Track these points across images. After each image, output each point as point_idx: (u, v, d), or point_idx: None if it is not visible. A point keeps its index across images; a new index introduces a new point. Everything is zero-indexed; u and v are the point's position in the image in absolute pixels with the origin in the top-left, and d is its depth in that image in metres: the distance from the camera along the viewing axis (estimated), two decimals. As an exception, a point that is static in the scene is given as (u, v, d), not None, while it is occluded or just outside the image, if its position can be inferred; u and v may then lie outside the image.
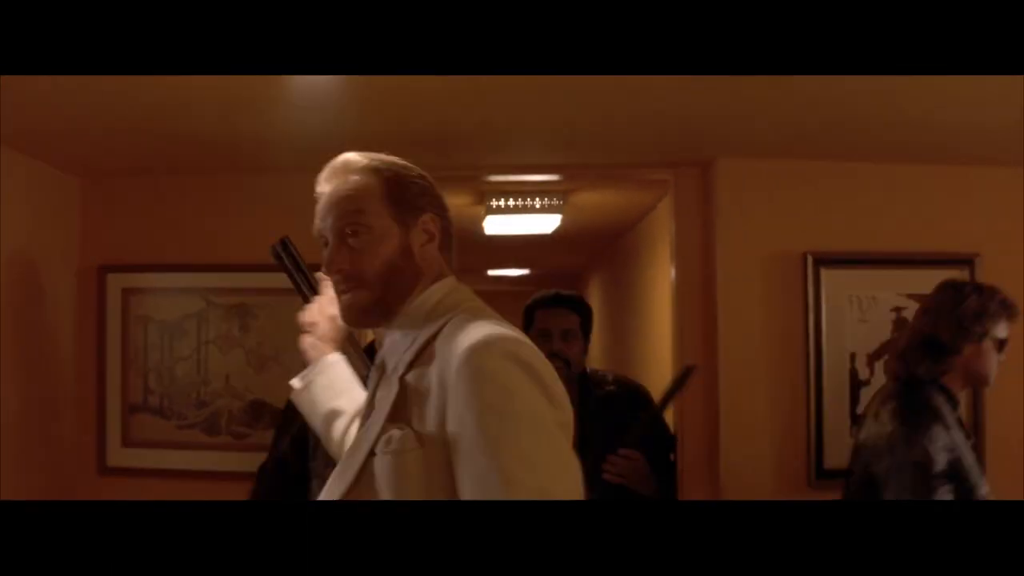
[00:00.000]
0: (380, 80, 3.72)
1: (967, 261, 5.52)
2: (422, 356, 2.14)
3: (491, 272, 14.08)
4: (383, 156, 2.33)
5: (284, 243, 2.98)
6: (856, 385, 5.45)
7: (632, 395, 4.45)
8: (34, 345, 5.10)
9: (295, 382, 2.82)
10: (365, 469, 2.10)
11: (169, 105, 4.09)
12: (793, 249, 5.43)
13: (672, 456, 4.48)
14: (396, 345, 2.26)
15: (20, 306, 4.92)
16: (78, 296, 5.53)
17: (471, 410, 1.98)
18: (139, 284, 5.54)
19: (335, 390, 2.76)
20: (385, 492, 2.05)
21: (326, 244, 2.26)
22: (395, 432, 2.05)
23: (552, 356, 3.98)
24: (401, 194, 2.25)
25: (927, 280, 5.41)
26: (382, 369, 2.29)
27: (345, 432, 2.69)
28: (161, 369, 5.49)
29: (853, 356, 5.47)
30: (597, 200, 7.51)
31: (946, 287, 3.87)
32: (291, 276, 3.01)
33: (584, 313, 4.42)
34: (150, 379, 5.49)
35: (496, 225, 7.96)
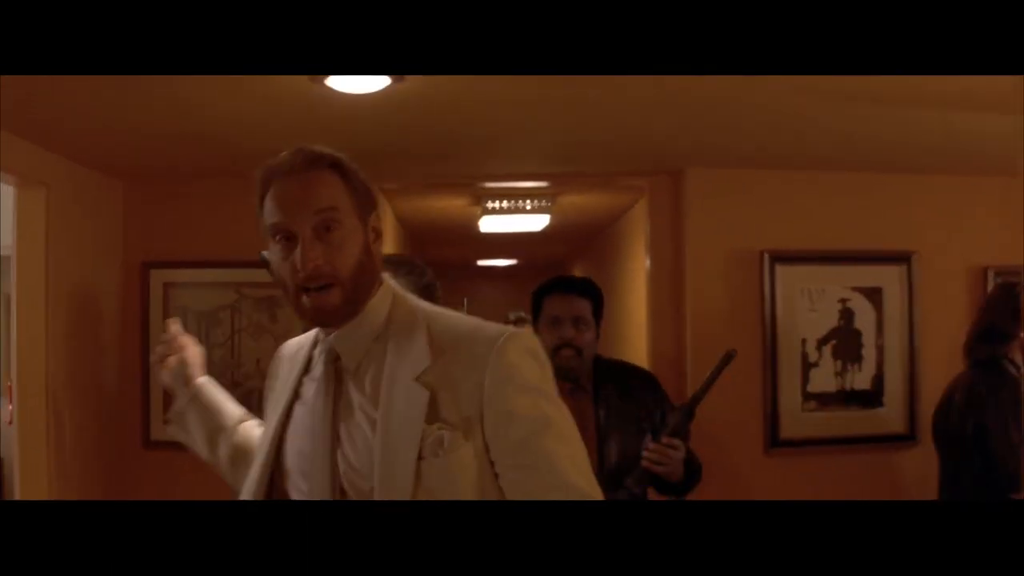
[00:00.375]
0: (392, 98, 3.97)
1: (905, 258, 5.85)
2: (438, 356, 2.03)
3: (481, 263, 13.98)
4: (334, 151, 2.13)
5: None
6: (807, 367, 5.77)
7: (646, 383, 3.98)
8: (87, 334, 5.35)
9: (171, 415, 2.63)
10: (418, 475, 1.95)
11: (204, 115, 4.33)
12: (752, 247, 5.73)
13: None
14: (356, 344, 2.10)
15: (74, 300, 5.17)
16: (124, 290, 5.78)
17: (509, 399, 1.99)
18: (178, 279, 5.77)
19: (213, 409, 2.57)
20: (444, 491, 1.95)
21: (287, 239, 2.03)
22: (444, 434, 1.95)
23: (564, 345, 3.76)
24: (360, 191, 2.10)
25: (870, 275, 5.81)
26: (336, 367, 2.12)
27: (231, 443, 2.54)
28: (199, 354, 5.68)
29: (804, 341, 5.77)
30: (581, 202, 7.77)
31: (1001, 287, 4.40)
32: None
33: (595, 298, 3.91)
34: (189, 363, 5.69)
35: (491, 224, 8.19)
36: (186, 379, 2.59)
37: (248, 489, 2.19)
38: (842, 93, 4.03)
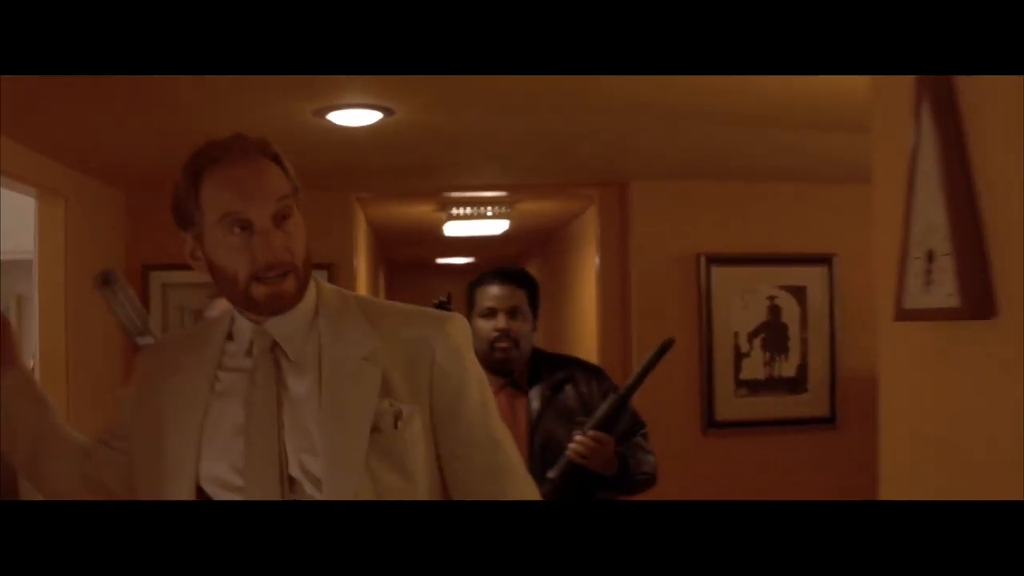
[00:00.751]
0: (382, 129, 4.39)
1: (827, 260, 6.32)
2: (383, 337, 1.99)
3: (440, 260, 14.01)
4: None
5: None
6: (739, 357, 6.24)
7: (589, 376, 3.62)
8: (94, 331, 5.63)
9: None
10: (373, 447, 1.91)
11: (199, 134, 4.62)
12: (690, 251, 6.21)
13: (642, 439, 3.55)
14: (295, 329, 1.99)
15: (82, 300, 5.42)
16: None
17: (459, 378, 2.01)
18: (176, 280, 6.13)
19: (43, 403, 2.18)
20: (396, 463, 1.93)
21: (242, 227, 1.89)
22: (401, 407, 1.93)
23: (500, 337, 3.46)
24: (293, 178, 1.99)
25: (795, 275, 6.27)
26: (273, 355, 1.98)
27: (61, 439, 2.18)
28: (194, 348, 6.02)
29: (737, 334, 6.24)
30: (537, 209, 8.18)
31: None
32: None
33: (531, 288, 3.59)
34: (186, 356, 6.02)
35: (455, 229, 8.49)
36: (9, 358, 2.15)
37: (168, 493, 1.96)
38: (767, 119, 4.53)
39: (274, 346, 1.98)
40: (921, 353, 2.45)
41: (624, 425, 3.41)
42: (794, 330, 6.28)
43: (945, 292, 2.16)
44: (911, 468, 2.59)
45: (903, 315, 2.36)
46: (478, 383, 2.07)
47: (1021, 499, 2.03)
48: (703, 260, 6.17)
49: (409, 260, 13.59)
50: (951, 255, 2.13)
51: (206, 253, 2.00)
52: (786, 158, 5.64)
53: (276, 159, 1.97)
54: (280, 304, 1.94)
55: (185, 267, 5.20)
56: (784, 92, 4.05)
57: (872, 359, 4.86)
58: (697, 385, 6.14)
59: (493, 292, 3.52)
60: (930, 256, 2.22)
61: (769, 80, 3.83)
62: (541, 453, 3.36)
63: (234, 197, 1.90)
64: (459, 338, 2.05)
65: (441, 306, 7.09)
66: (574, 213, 8.34)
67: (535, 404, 3.49)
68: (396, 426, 1.93)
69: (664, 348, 3.30)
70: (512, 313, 3.48)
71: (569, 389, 3.52)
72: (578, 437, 3.25)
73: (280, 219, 1.91)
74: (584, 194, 6.93)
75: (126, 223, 6.18)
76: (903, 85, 2.40)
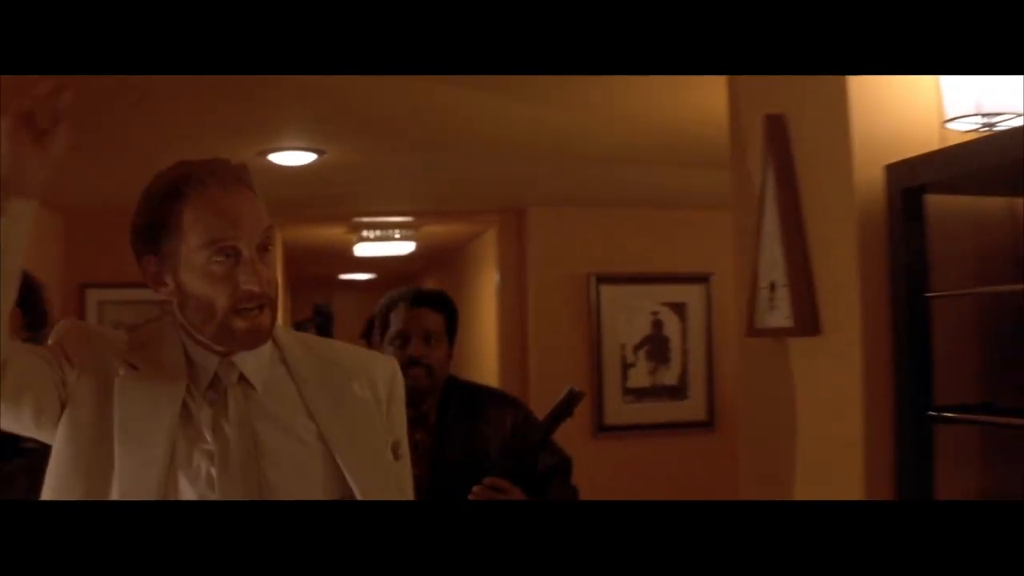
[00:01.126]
0: (312, 166, 4.79)
1: (704, 279, 6.81)
2: (355, 374, 1.93)
3: (342, 276, 14.05)
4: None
5: None
6: (625, 367, 6.68)
7: (503, 407, 3.22)
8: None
9: None
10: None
11: (145, 169, 4.90)
12: (582, 271, 6.65)
13: (565, 476, 3.17)
14: (262, 363, 1.86)
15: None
16: (64, 307, 6.28)
17: (403, 418, 2.00)
18: (111, 297, 6.45)
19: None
20: (400, 490, 1.93)
21: (227, 255, 1.75)
22: (400, 439, 1.95)
23: (412, 363, 3.02)
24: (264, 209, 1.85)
25: (676, 293, 6.72)
26: (243, 387, 1.85)
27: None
28: (129, 361, 6.28)
29: (623, 346, 6.69)
30: (442, 231, 8.60)
31: None
32: None
33: (449, 312, 3.20)
34: (120, 369, 6.30)
35: (364, 250, 8.83)
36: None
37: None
38: (651, 155, 4.99)
39: (241, 378, 1.85)
40: (766, 365, 2.95)
41: (545, 464, 3.08)
42: (675, 342, 6.72)
43: (784, 315, 2.68)
44: (763, 465, 3.01)
45: (753, 332, 2.89)
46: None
47: (844, 496, 2.51)
48: (593, 279, 6.58)
49: (315, 275, 13.79)
50: (787, 286, 2.65)
51: (179, 279, 1.80)
52: (666, 188, 6.09)
53: (253, 189, 1.84)
54: (257, 338, 1.82)
55: (120, 286, 5.39)
56: (661, 133, 4.49)
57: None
58: (588, 392, 6.30)
59: (407, 315, 3.14)
60: (772, 286, 2.74)
61: (652, 122, 4.31)
62: (443, 492, 2.96)
63: (224, 224, 1.76)
64: (400, 380, 2.01)
65: (318, 310, 7.31)
66: (475, 233, 8.70)
67: (442, 438, 3.12)
68: (397, 457, 1.92)
69: (571, 399, 3.01)
70: (427, 338, 3.11)
71: (480, 424, 3.14)
72: (476, 488, 2.87)
73: (262, 250, 1.79)
74: (485, 219, 7.34)
75: (64, 244, 6.46)
76: (756, 132, 2.86)
